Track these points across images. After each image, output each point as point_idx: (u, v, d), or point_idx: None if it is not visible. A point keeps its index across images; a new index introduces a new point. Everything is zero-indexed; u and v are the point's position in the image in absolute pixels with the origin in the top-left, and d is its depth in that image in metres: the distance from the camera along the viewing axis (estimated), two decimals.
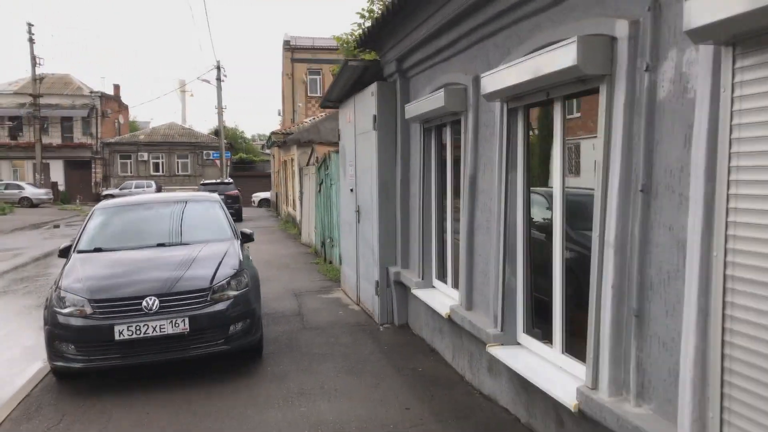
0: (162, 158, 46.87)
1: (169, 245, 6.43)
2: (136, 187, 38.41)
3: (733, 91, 2.45)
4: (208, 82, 38.26)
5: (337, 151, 10.34)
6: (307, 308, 8.39)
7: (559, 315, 3.97)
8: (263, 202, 35.69)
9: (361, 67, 7.45)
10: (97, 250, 6.32)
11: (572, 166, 3.97)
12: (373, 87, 7.19)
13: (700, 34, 2.42)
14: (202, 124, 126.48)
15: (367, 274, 7.87)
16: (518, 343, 4.52)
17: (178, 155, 47.14)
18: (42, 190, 37.20)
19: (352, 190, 8.49)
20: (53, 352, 5.29)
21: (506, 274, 4.51)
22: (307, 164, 16.60)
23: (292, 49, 33.46)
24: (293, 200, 20.99)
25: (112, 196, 27.64)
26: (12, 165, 43.36)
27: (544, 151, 4.32)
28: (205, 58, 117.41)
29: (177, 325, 5.23)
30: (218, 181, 28.98)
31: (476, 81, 5.02)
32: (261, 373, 5.69)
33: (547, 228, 4.39)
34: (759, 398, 2.35)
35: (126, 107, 51.65)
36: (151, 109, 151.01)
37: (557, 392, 3.68)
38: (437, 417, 4.62)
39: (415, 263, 6.75)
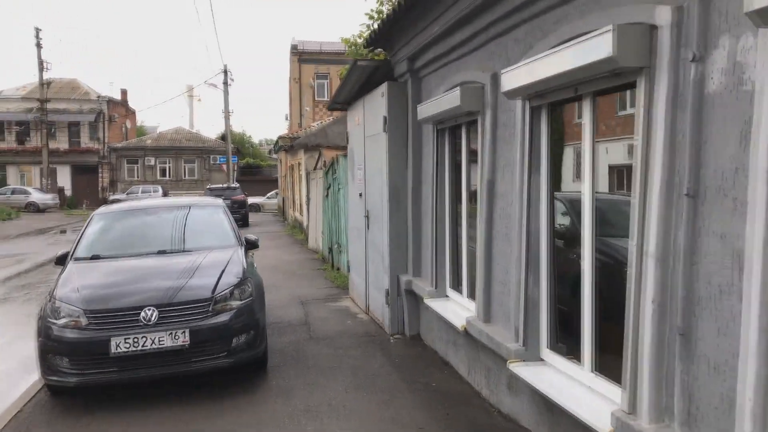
0: (169, 163, 46.84)
1: (171, 253, 6.13)
2: (142, 192, 38.31)
3: None
4: (215, 86, 37.89)
5: (345, 155, 10.04)
6: (313, 317, 8.09)
7: (589, 331, 3.64)
8: (253, 207, 33.19)
9: (371, 66, 7.17)
10: (95, 257, 6.04)
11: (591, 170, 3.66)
12: (383, 87, 6.90)
13: (765, 16, 2.12)
14: (210, 128, 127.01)
15: (376, 282, 7.56)
16: (542, 359, 4.19)
17: (185, 160, 47.09)
18: (49, 195, 37.12)
19: (360, 195, 8.19)
20: (47, 366, 5.00)
21: (529, 285, 4.19)
22: (315, 168, 16.33)
23: (299, 53, 33.38)
24: (300, 205, 20.73)
25: (119, 200, 27.47)
26: (19, 170, 43.31)
27: (566, 153, 4.03)
28: (212, 62, 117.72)
29: (177, 337, 4.94)
30: (225, 185, 28.69)
31: (495, 78, 4.72)
32: (265, 388, 5.39)
33: (567, 235, 4.09)
34: None
35: (133, 112, 51.72)
36: (159, 114, 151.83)
37: (587, 416, 3.35)
38: None
39: (428, 272, 6.44)
